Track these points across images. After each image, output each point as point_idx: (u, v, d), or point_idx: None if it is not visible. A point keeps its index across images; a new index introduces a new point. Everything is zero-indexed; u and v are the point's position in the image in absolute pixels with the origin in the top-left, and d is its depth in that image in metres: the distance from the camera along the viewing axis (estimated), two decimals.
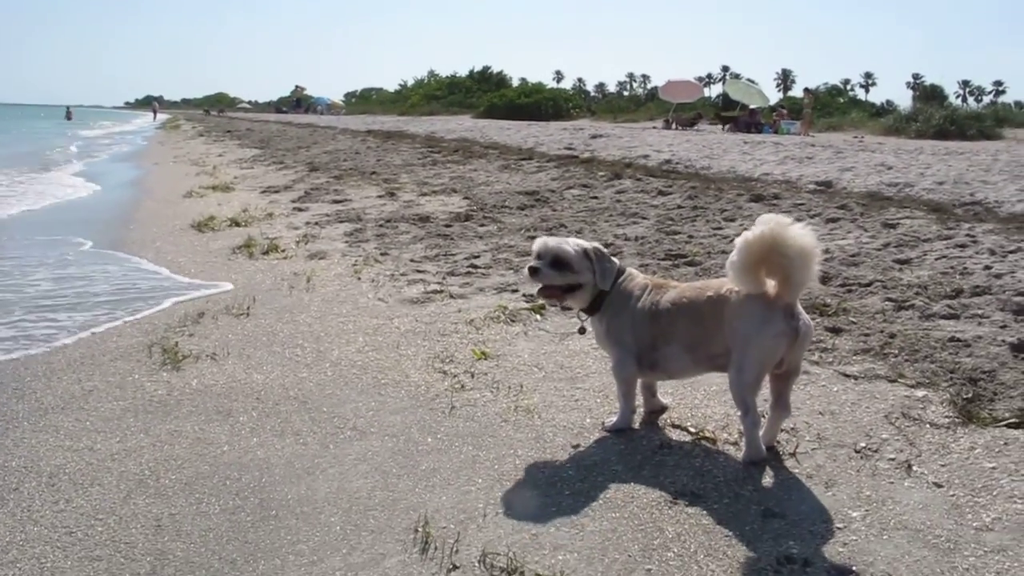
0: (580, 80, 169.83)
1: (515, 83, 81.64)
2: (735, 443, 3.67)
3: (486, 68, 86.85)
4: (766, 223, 3.25)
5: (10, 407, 4.42)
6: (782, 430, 3.66)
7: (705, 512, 3.10)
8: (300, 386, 4.60)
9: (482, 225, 9.05)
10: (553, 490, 3.31)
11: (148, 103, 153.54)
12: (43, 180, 18.86)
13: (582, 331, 4.02)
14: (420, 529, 3.01)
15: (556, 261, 3.75)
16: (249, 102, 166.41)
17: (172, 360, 5.04)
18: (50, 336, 5.81)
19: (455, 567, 2.79)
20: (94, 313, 6.41)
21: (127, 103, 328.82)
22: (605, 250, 3.88)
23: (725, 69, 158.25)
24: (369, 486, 3.39)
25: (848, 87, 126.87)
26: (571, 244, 3.80)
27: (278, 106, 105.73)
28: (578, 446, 3.72)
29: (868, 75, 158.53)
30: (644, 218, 9.37)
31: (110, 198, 15.30)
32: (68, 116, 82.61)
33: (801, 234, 3.21)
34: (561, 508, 3.16)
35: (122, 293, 7.08)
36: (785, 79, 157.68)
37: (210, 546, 3.00)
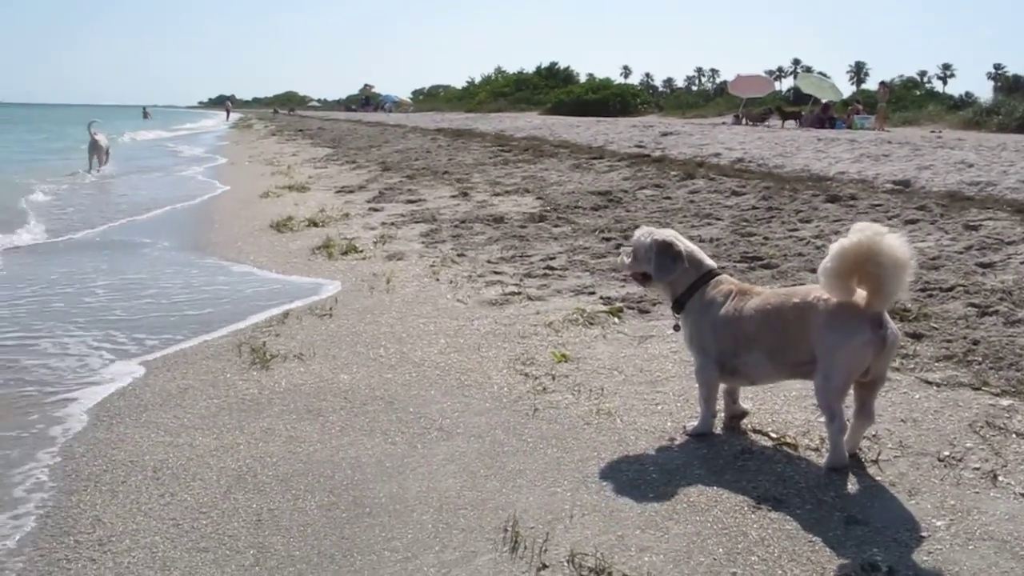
0: (647, 75, 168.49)
1: (582, 79, 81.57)
2: (816, 449, 3.70)
3: (553, 64, 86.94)
4: (862, 231, 3.27)
5: (112, 402, 4.65)
6: (864, 437, 3.68)
7: (788, 517, 3.15)
8: (386, 387, 4.74)
9: (556, 226, 9.14)
10: (637, 492, 3.38)
11: (221, 103, 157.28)
12: (179, 180, 19.49)
13: (677, 328, 4.09)
14: (509, 528, 3.11)
15: (634, 249, 4.04)
16: (318, 100, 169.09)
17: (261, 360, 5.23)
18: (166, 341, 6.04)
19: (544, 566, 2.88)
20: (221, 320, 6.62)
21: (200, 103, 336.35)
22: (680, 245, 3.93)
23: (796, 62, 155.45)
24: (458, 486, 3.51)
25: (925, 79, 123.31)
26: (653, 235, 4.00)
27: (347, 104, 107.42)
28: (660, 449, 3.79)
29: (946, 66, 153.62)
30: (718, 219, 9.35)
31: (195, 199, 15.70)
32: (145, 116, 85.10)
33: (897, 245, 3.23)
34: (646, 510, 3.23)
35: (254, 298, 7.35)
36: (858, 72, 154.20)
37: (308, 541, 3.15)
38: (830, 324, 3.40)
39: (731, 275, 6.12)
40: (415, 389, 4.68)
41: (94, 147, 20.68)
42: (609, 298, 6.16)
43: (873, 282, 3.29)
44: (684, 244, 3.97)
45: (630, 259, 4.04)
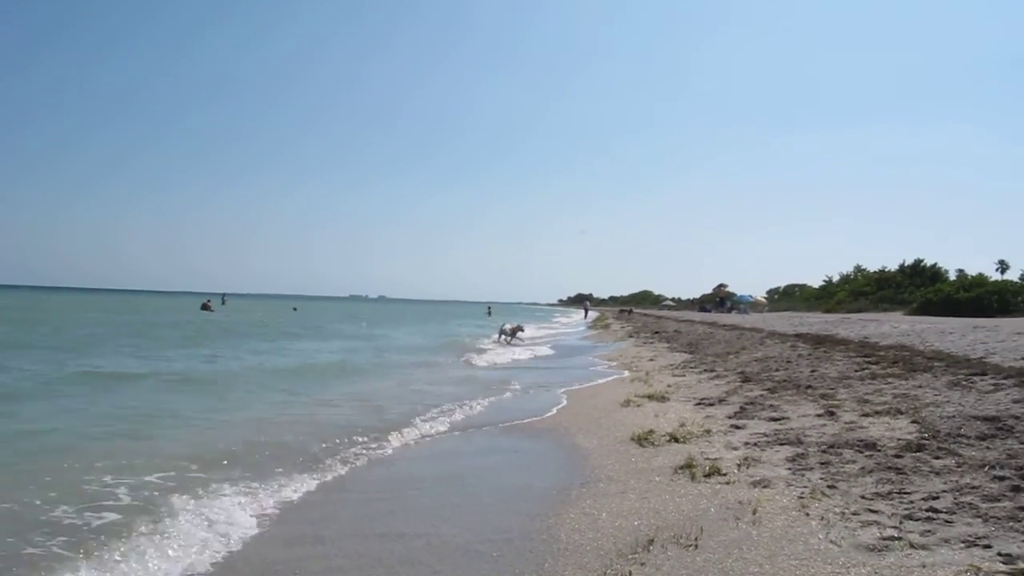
0: None
1: (951, 276, 77.40)
2: None
3: (918, 261, 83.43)
4: None
5: None
6: None
7: None
8: None
9: (937, 458, 8.41)
10: None
11: (580, 301, 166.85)
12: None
13: None
14: None
15: None
16: (672, 299, 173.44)
17: None
18: None
19: None
20: None
21: (560, 300, 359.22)
22: None
23: None
24: None
25: None
26: None
27: (702, 304, 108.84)
28: None
29: None
30: None
31: (556, 401, 16.55)
32: (488, 313, 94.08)
33: None
34: None
35: None
36: None
37: None
38: None
39: None
40: None
41: (502, 331, 42.08)
42: (1010, 555, 5.52)
43: None
44: None
45: None
